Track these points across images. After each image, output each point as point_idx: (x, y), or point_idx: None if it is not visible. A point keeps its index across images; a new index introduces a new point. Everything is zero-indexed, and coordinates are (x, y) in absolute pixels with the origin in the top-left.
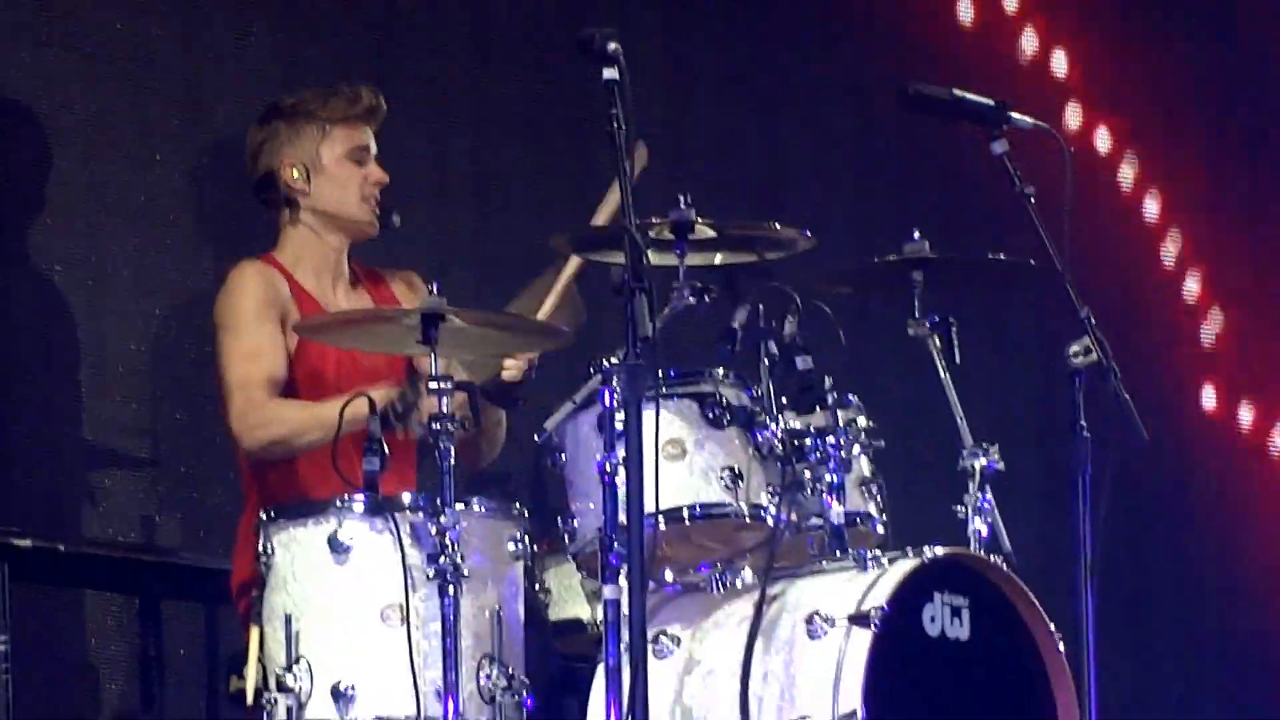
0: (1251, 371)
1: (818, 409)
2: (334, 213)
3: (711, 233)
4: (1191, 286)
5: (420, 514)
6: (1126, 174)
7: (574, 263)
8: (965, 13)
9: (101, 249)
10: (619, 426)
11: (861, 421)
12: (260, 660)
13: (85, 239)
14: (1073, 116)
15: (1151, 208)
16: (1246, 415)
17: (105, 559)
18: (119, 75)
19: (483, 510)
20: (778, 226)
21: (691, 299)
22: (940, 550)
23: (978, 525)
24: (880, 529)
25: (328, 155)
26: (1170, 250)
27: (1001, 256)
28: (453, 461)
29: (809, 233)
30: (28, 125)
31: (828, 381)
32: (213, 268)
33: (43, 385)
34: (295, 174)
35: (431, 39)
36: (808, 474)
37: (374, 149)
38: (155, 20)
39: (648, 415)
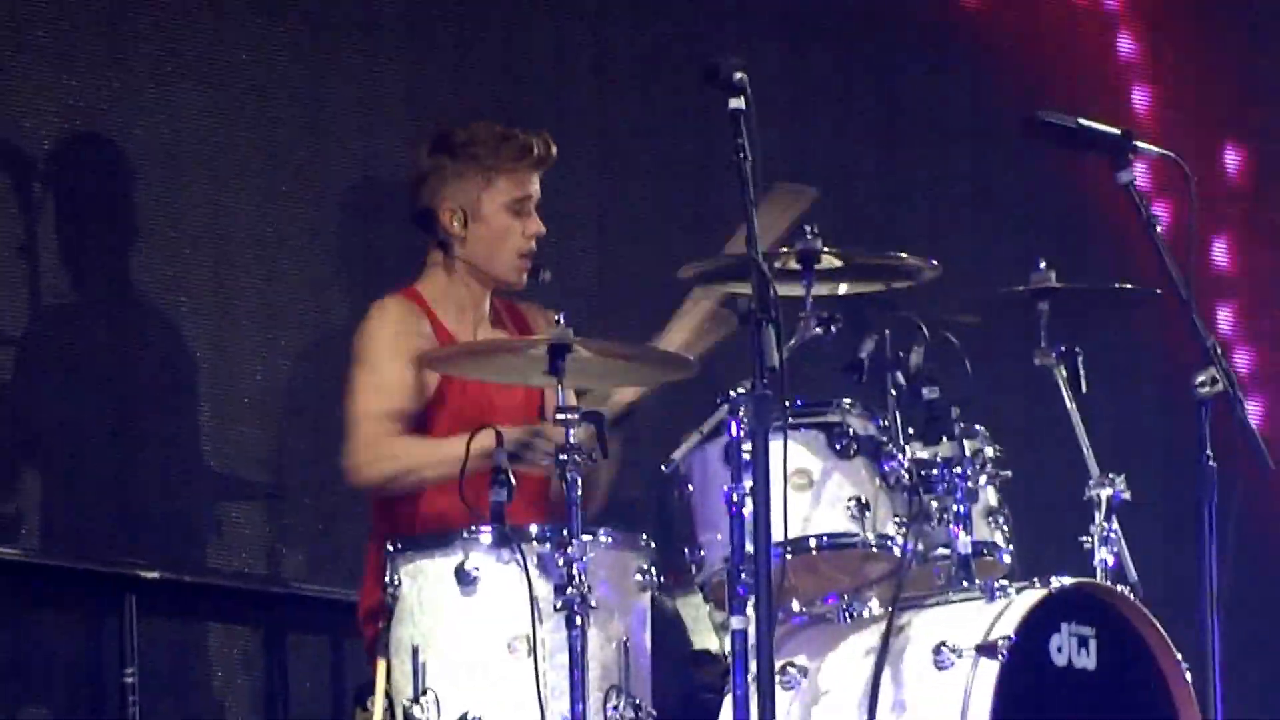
0: None
1: (944, 439)
2: (484, 266)
3: (838, 262)
4: None
5: (547, 544)
6: None
7: (706, 302)
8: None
9: (228, 281)
10: (746, 457)
11: (988, 451)
12: (387, 693)
13: (212, 271)
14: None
15: None
16: None
17: (231, 590)
18: (245, 106)
19: (609, 541)
20: (904, 255)
21: (818, 329)
22: (1067, 580)
23: (1104, 555)
24: (1006, 559)
25: (488, 204)
26: None
27: (1127, 285)
28: (580, 492)
29: (934, 261)
30: (155, 159)
31: (954, 412)
32: (341, 299)
33: (169, 416)
34: (454, 220)
35: (554, 73)
36: (934, 504)
37: (536, 197)
38: (282, 51)
39: (775, 445)
